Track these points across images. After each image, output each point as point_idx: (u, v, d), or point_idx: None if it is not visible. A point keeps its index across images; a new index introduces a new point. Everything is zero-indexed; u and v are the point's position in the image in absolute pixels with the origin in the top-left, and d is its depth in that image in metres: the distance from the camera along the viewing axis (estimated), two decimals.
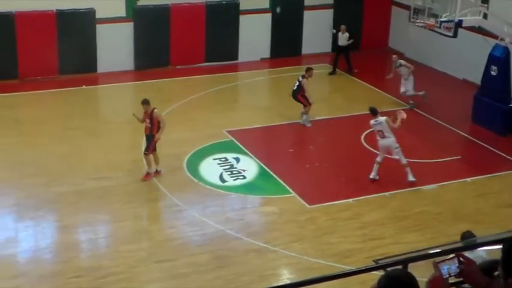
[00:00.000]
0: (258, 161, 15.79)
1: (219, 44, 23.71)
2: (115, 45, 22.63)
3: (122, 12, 23.11)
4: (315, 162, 16.03)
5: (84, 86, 21.16)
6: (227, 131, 17.29)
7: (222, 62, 23.05)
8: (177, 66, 23.38)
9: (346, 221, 13.35)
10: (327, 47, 24.99)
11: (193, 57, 23.62)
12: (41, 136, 17.25)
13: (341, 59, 22.87)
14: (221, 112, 19.09)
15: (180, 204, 13.79)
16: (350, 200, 14.22)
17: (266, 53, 24.68)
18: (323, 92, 21.56)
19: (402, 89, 19.45)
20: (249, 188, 14.74)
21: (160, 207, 13.91)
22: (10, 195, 14.09)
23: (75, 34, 22.19)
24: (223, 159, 15.95)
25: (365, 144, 16.86)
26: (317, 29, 24.76)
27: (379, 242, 12.52)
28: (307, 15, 24.86)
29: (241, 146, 16.63)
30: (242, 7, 24.04)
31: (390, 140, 14.79)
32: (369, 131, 16.43)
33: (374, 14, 25.68)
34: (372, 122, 15.00)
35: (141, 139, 15.16)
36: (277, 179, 15.04)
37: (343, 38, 22.70)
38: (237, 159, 15.89)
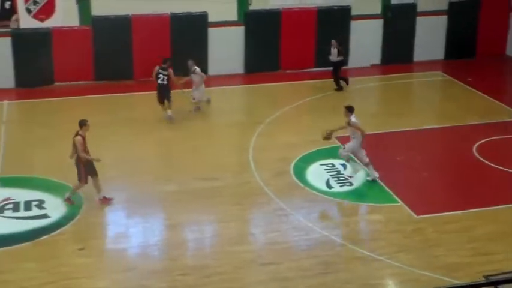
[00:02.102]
0: (365, 168, 15.60)
1: (329, 49, 23.65)
2: (226, 49, 22.99)
3: (234, 16, 23.46)
4: (424, 172, 15.66)
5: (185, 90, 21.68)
6: (335, 137, 17.18)
7: (331, 67, 22.95)
8: (287, 71, 23.49)
9: (455, 233, 12.95)
10: (440, 54, 24.41)
11: (303, 62, 23.65)
12: (152, 135, 17.78)
13: (340, 73, 21.84)
14: (329, 117, 18.95)
15: (286, 209, 13.82)
16: (459, 212, 13.79)
17: (377, 59, 24.38)
18: (434, 101, 21.06)
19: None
20: (355, 195, 14.58)
21: (266, 210, 13.97)
22: (122, 191, 14.58)
23: (188, 37, 22.72)
24: (330, 165, 15.85)
25: (477, 155, 16.32)
26: (430, 36, 24.22)
27: (490, 258, 12.06)
28: (420, 21, 24.37)
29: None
30: (353, 12, 23.87)
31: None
32: (482, 141, 15.90)
33: (490, 20, 24.84)
34: (354, 119, 14.77)
35: (250, 141, 15.30)
36: (384, 187, 14.79)
37: (333, 54, 21.64)
38: (344, 166, 15.75)
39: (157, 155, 16.48)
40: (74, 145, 13.46)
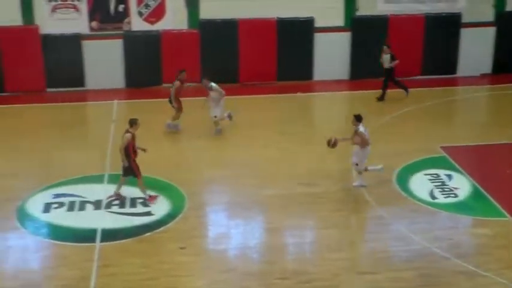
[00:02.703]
0: (471, 180, 15.12)
1: (437, 56, 23.12)
2: (331, 54, 22.91)
3: (340, 22, 23.33)
4: None
5: (299, 93, 21.69)
6: (441, 147, 16.76)
7: (439, 75, 22.44)
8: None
9: None
10: None
11: (410, 69, 23.21)
12: (257, 139, 17.93)
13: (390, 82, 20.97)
14: (436, 127, 18.56)
15: (387, 217, 13.58)
16: None
17: (487, 68, 23.61)
18: None
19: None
20: (460, 207, 14.13)
21: (366, 218, 13.79)
22: (225, 193, 14.78)
23: (294, 42, 22.79)
24: (435, 176, 15.45)
25: None
26: None
27: None
28: None
29: (454, 163, 16.04)
30: (464, 20, 23.22)
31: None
32: None
33: None
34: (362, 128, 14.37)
35: (351, 149, 15.10)
36: (492, 200, 14.27)
37: (386, 60, 20.85)
38: (449, 177, 15.33)
39: (262, 159, 16.57)
40: (123, 140, 13.88)
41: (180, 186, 14.85)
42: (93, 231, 12.94)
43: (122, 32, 22.55)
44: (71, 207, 14.02)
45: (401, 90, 21.09)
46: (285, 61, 22.21)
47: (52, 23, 22.18)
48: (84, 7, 22.28)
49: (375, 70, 22.86)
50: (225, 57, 22.75)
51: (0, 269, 11.84)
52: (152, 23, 22.70)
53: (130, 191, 14.47)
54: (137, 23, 22.61)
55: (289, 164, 16.30)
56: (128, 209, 13.89)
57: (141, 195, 14.25)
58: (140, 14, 22.59)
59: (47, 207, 13.98)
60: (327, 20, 22.96)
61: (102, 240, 12.64)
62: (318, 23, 22.97)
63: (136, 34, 22.61)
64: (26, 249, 12.59)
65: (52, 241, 12.77)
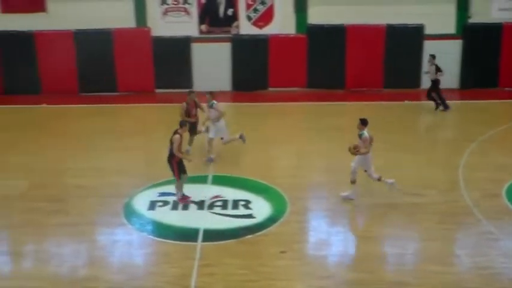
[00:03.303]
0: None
1: None
2: (441, 63, 22.35)
3: (451, 29, 22.75)
4: None
5: (406, 101, 21.31)
6: None
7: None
8: (505, 88, 22.34)
9: None
10: None
11: None
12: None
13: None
14: None
15: (496, 233, 13.07)
16: None
17: None
18: None
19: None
20: None
21: (473, 232, 13.32)
22: (326, 199, 14.68)
23: (403, 49, 22.40)
24: None
25: None
26: None
27: None
28: None
29: None
30: None
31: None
32: None
33: None
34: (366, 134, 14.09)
35: (461, 159, 14.71)
36: None
37: (431, 71, 19.96)
38: None
39: None
40: (171, 142, 14.00)
41: (283, 190, 14.89)
42: (195, 231, 13.17)
43: (230, 35, 22.88)
44: (175, 206, 14.33)
45: (433, 103, 20.51)
46: (392, 68, 21.90)
47: (163, 25, 22.80)
48: (194, 10, 22.78)
49: (486, 80, 22.18)
50: (332, 63, 22.67)
51: (108, 263, 12.26)
52: (260, 27, 22.91)
53: (232, 194, 14.63)
54: (245, 27, 22.88)
55: (393, 172, 15.98)
56: (230, 211, 14.05)
57: (243, 197, 14.37)
58: (249, 18, 22.85)
59: (152, 205, 14.35)
60: (438, 27, 22.45)
61: (203, 240, 12.85)
62: (428, 30, 22.48)
63: (244, 38, 22.88)
64: (131, 244, 12.97)
65: (156, 238, 13.10)
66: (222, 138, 16.74)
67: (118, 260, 12.36)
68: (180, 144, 14.18)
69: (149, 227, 13.55)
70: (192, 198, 14.43)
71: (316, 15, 22.57)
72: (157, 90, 23.12)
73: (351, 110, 20.68)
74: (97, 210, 14.25)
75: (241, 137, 16.87)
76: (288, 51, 22.67)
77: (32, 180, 15.59)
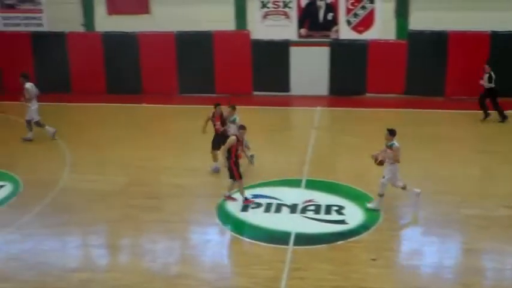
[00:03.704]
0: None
1: None
2: None
3: None
4: None
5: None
6: None
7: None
8: None
9: None
10: None
11: None
12: (454, 155, 17.27)
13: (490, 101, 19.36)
14: None
15: None
16: None
17: None
18: None
19: None
20: None
21: None
22: (421, 208, 14.33)
23: (508, 57, 21.65)
24: None
25: None
26: None
27: None
28: None
29: None
30: None
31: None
32: None
33: None
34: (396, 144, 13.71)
35: None
36: None
37: (485, 80, 19.17)
38: None
39: (461, 176, 15.92)
40: (228, 143, 14.28)
41: (377, 197, 14.66)
42: (287, 234, 13.16)
43: (329, 39, 22.78)
44: (268, 208, 14.38)
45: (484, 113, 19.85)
46: (497, 76, 21.17)
47: (263, 28, 22.96)
48: (294, 14, 22.82)
49: None
50: (432, 70, 22.17)
51: (199, 261, 12.44)
52: (360, 32, 22.69)
53: (325, 199, 14.54)
54: (345, 32, 22.73)
55: (491, 183, 15.48)
56: (322, 216, 13.96)
57: (336, 203, 14.26)
58: (348, 22, 22.68)
59: (246, 207, 14.45)
60: None
61: (295, 244, 12.82)
62: None
63: (343, 42, 22.73)
64: (223, 244, 13.11)
65: (247, 239, 13.18)
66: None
67: (209, 259, 12.51)
68: (234, 147, 14.30)
69: (241, 228, 13.65)
70: (237, 201, 14.55)
71: (418, 21, 22.14)
72: (255, 93, 23.29)
73: (449, 118, 20.16)
74: (191, 209, 14.50)
75: (251, 157, 16.44)
76: (387, 57, 22.35)
77: (131, 178, 16.03)
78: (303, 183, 15.54)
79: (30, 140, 18.89)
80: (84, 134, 19.68)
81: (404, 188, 14.22)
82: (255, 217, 14.01)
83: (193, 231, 13.69)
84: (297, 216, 14.01)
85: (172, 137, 19.26)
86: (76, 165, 17.14)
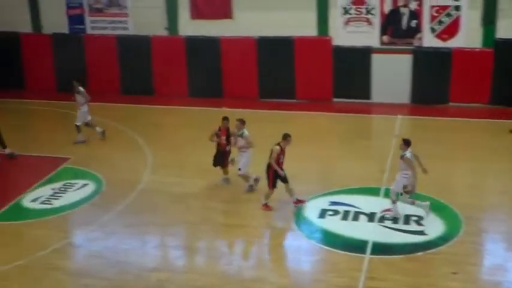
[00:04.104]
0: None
1: None
2: None
3: None
4: None
5: None
6: None
7: None
8: None
9: None
10: None
11: None
12: None
13: None
14: None
15: None
16: None
17: None
18: None
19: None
20: None
21: None
22: (504, 222, 13.92)
23: None
24: None
25: None
26: None
27: None
28: None
29: None
30: None
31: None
32: None
33: None
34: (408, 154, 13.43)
35: None
36: None
37: None
38: None
39: None
40: (271, 152, 14.28)
41: (458, 209, 14.32)
42: (364, 243, 13.02)
43: (412, 47, 22.43)
44: (345, 216, 14.26)
45: None
46: None
47: (344, 35, 22.82)
48: (377, 21, 22.58)
49: None
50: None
51: (274, 266, 12.47)
52: (444, 40, 22.24)
53: (404, 209, 14.31)
54: (428, 39, 22.32)
55: None
56: (401, 226, 13.73)
57: (415, 213, 14.02)
58: (432, 30, 22.26)
59: (323, 213, 14.38)
60: None
61: (372, 253, 12.66)
62: None
63: (426, 50, 22.33)
64: (299, 250, 13.08)
65: (324, 246, 13.10)
66: (239, 169, 15.56)
67: (285, 264, 12.52)
68: (278, 156, 14.32)
69: (318, 235, 13.59)
70: (272, 210, 14.55)
71: (506, 29, 21.51)
72: (335, 100, 23.17)
73: None
74: (268, 214, 14.53)
75: (256, 179, 15.71)
76: (472, 65, 21.80)
77: (210, 181, 16.19)
78: (382, 191, 15.33)
79: (83, 142, 19.42)
80: (165, 136, 20.05)
81: (394, 202, 14.01)
82: (332, 224, 13.91)
83: (270, 236, 13.73)
84: (374, 225, 13.84)
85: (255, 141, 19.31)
86: (157, 166, 17.47)
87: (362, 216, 14.18)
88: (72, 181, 16.60)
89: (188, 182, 16.25)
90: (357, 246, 12.96)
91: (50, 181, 16.67)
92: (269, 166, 14.55)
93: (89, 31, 24.88)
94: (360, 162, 17.31)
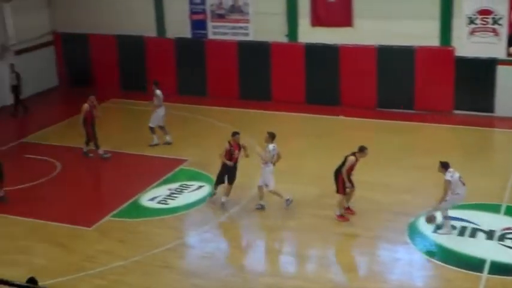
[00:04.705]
0: None
1: None
2: None
3: None
4: None
5: None
6: None
7: None
8: None
9: None
10: None
11: None
12: None
13: None
14: None
15: None
16: None
17: None
18: None
19: None
20: None
21: None
22: None
23: None
24: None
25: None
26: None
27: None
28: None
29: None
30: None
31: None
32: None
33: None
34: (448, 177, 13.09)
35: None
36: None
37: None
38: None
39: None
40: (345, 161, 14.35)
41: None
42: (481, 261, 12.51)
43: None
44: (462, 232, 13.76)
45: None
46: None
47: (468, 45, 22.09)
48: (504, 31, 21.70)
49: None
50: None
51: (387, 279, 12.20)
52: None
53: None
54: None
55: None
56: None
57: None
58: None
59: (438, 228, 13.91)
60: None
61: (489, 272, 12.14)
62: None
63: None
64: (412, 264, 12.75)
65: (437, 262, 12.70)
66: (266, 185, 15.26)
67: (397, 277, 12.23)
68: (352, 166, 14.28)
69: (432, 250, 13.19)
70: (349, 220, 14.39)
71: None
72: (456, 112, 22.46)
73: None
74: (382, 226, 14.26)
75: (288, 201, 15.19)
76: None
77: (322, 188, 16.05)
78: (503, 209, 14.67)
79: (157, 145, 19.68)
80: (281, 142, 20.01)
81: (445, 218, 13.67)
82: (448, 240, 13.46)
83: (382, 248, 13.46)
84: (493, 243, 13.27)
85: (369, 150, 19.01)
86: None
87: (480, 233, 13.63)
88: (188, 182, 16.97)
89: (301, 188, 16.21)
90: (473, 264, 12.47)
91: (167, 182, 17.11)
92: (339, 172, 14.43)
93: (211, 36, 25.39)
94: (481, 178, 16.60)
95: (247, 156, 15.67)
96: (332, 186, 15.13)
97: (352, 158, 14.42)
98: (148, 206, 15.82)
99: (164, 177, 17.29)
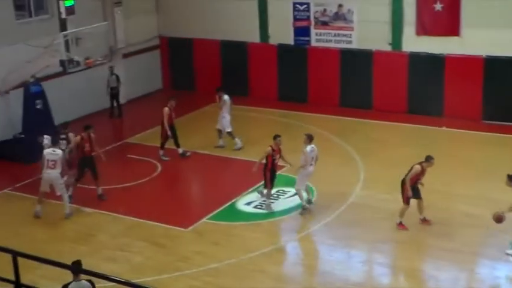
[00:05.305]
0: None
1: None
2: None
3: None
4: None
5: None
6: None
7: None
8: None
9: None
10: None
11: None
12: None
13: None
14: None
15: None
16: None
17: None
18: None
19: None
20: None
21: None
22: None
23: None
24: None
25: None
26: None
27: None
28: None
29: None
30: None
31: None
32: None
33: None
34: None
35: None
36: None
37: None
38: None
39: None
40: (411, 168, 14.19)
41: None
42: None
43: None
44: None
45: None
46: None
47: None
48: None
49: None
50: None
51: None
52: None
53: None
54: None
55: None
56: None
57: None
58: None
59: None
60: None
61: None
62: None
63: None
64: None
65: None
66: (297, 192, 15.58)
67: None
68: (418, 175, 14.08)
69: None
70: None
71: None
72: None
73: None
74: (482, 242, 13.77)
75: (304, 207, 15.42)
76: None
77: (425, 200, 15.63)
78: None
79: (222, 147, 19.95)
80: (381, 151, 19.77)
81: None
82: None
83: (482, 265, 12.99)
84: None
85: (469, 163, 18.44)
86: (369, 181, 17.29)
87: None
88: (285, 189, 16.96)
89: (399, 199, 15.85)
90: None
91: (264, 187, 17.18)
92: (404, 182, 14.19)
93: (314, 43, 25.34)
94: None
95: (284, 160, 16.01)
96: (431, 198, 14.78)
97: (417, 167, 14.12)
98: (244, 210, 15.94)
99: (261, 182, 17.36)
